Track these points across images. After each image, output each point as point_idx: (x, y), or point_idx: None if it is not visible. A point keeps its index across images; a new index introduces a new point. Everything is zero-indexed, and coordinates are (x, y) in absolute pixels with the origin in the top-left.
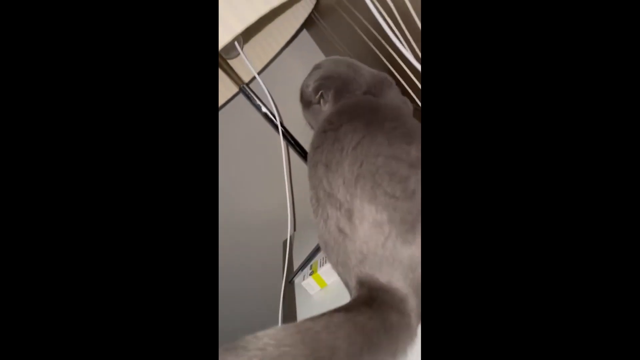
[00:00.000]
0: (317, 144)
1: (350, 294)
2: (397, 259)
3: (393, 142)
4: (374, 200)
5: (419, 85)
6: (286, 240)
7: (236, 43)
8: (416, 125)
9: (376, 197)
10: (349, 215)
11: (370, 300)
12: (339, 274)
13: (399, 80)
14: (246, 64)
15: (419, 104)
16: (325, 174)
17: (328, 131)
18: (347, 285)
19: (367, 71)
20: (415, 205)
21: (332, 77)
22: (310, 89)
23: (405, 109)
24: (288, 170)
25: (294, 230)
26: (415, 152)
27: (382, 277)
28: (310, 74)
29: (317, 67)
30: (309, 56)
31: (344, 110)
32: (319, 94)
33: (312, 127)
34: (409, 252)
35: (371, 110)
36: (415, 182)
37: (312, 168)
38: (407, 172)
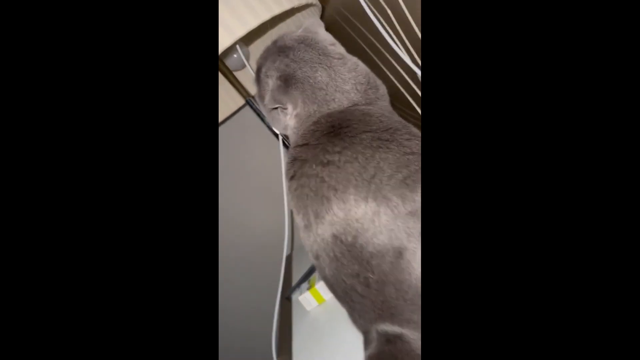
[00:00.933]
0: (306, 174)
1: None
2: (417, 304)
3: (405, 197)
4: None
5: (419, 93)
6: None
7: (240, 53)
8: (419, 160)
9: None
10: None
11: None
12: (353, 319)
13: (399, 89)
14: (252, 74)
15: (419, 112)
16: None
17: (330, 164)
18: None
19: (349, 74)
20: None
21: (300, 81)
22: (269, 88)
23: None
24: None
25: (292, 250)
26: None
27: (401, 322)
28: (273, 55)
29: (283, 50)
30: None
31: (342, 141)
32: (277, 108)
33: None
34: None
35: (373, 147)
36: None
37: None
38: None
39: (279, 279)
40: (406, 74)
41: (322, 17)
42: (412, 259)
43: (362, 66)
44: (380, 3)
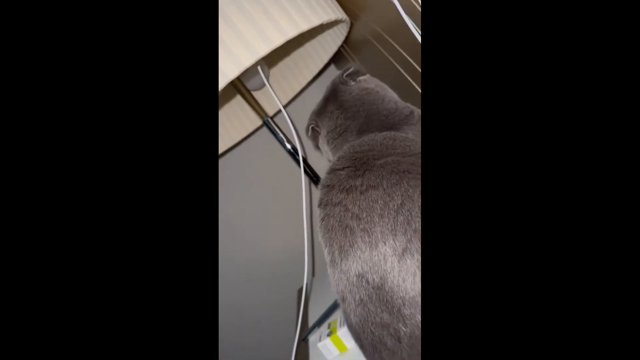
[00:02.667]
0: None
1: None
2: None
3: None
4: None
5: None
6: (301, 289)
7: (261, 72)
8: None
9: None
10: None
11: None
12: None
13: None
14: (271, 94)
15: None
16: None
17: (353, 189)
18: None
19: (390, 100)
20: None
21: (325, 111)
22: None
23: None
24: (309, 209)
25: (313, 275)
26: None
27: None
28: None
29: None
30: None
31: (364, 165)
32: (310, 128)
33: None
34: None
35: (397, 172)
36: None
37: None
38: None
39: (296, 317)
40: None
41: (349, 34)
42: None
43: (388, 94)
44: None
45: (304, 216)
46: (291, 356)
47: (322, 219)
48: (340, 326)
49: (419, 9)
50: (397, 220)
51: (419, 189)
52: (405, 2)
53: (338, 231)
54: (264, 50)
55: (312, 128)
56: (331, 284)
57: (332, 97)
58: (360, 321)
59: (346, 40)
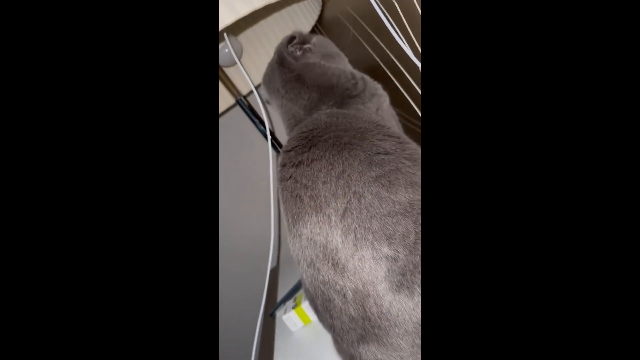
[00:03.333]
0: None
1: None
2: (402, 327)
3: (382, 197)
4: (376, 266)
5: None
6: (272, 269)
7: (230, 47)
8: (396, 160)
9: (379, 264)
10: (346, 281)
11: None
12: (339, 346)
13: (398, 89)
14: (242, 71)
15: (419, 113)
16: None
17: (301, 164)
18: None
19: (333, 74)
20: (416, 260)
21: (271, 83)
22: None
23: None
24: (276, 194)
25: (278, 262)
26: (404, 195)
27: (387, 351)
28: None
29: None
30: None
31: (310, 142)
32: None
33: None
34: (413, 313)
35: (345, 156)
36: (414, 231)
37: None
38: (404, 224)
39: (263, 294)
40: (412, 78)
41: (322, 13)
42: (381, 266)
43: (341, 67)
44: (393, 4)
45: (271, 195)
46: (257, 330)
47: (281, 193)
48: (305, 299)
49: None
50: (338, 184)
51: (359, 158)
52: None
53: (290, 201)
54: (229, 18)
55: (267, 101)
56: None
57: (278, 70)
58: (311, 282)
59: (320, 20)
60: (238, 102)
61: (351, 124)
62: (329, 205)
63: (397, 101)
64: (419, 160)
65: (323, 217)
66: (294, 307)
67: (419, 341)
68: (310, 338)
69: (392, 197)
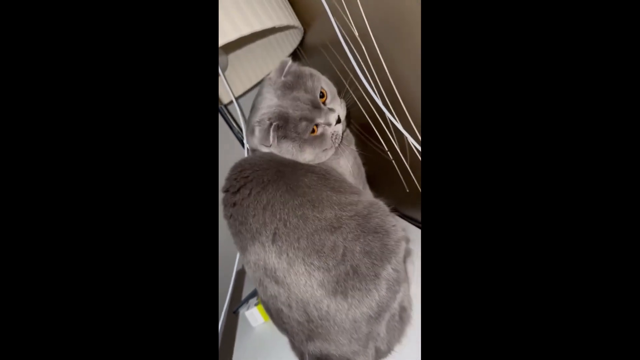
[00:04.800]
0: (234, 230)
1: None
2: (341, 325)
3: (306, 219)
4: (310, 277)
5: (383, 124)
6: (238, 271)
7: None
8: (316, 184)
9: (311, 276)
10: (289, 293)
11: None
12: (291, 342)
13: (365, 117)
14: (224, 83)
15: (382, 141)
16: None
17: (235, 204)
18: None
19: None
20: (347, 269)
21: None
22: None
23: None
24: None
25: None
26: (330, 212)
27: (331, 346)
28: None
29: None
30: None
31: (238, 183)
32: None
33: None
34: (350, 316)
35: (274, 183)
36: (342, 245)
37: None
38: (333, 239)
39: (227, 293)
40: (373, 107)
41: (304, 39)
42: (315, 277)
43: (269, 108)
44: (356, 38)
45: None
46: (220, 326)
47: (230, 228)
48: None
49: (352, 27)
50: (265, 215)
51: (281, 190)
52: (340, 21)
53: (236, 236)
54: (233, 35)
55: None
56: None
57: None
58: (263, 296)
59: (302, 44)
60: (219, 110)
61: (267, 161)
62: (260, 235)
63: (362, 125)
64: (343, 192)
65: (258, 245)
66: (256, 305)
67: (355, 336)
68: (270, 334)
69: (317, 215)
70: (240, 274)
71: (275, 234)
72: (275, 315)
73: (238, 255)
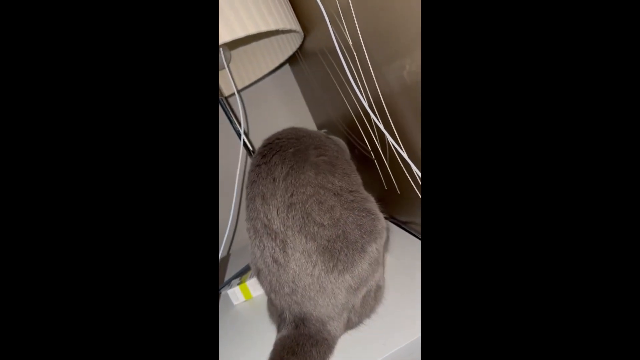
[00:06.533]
0: (253, 178)
1: (277, 322)
2: (323, 287)
3: (319, 172)
4: (304, 228)
5: (369, 127)
6: (225, 257)
7: (222, 55)
8: (337, 154)
9: (306, 225)
10: (283, 245)
11: (295, 344)
12: (271, 300)
13: (355, 122)
14: (228, 76)
15: (368, 143)
16: (262, 206)
17: (261, 164)
18: (274, 313)
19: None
20: (339, 232)
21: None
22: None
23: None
24: (240, 184)
25: (229, 252)
26: (338, 181)
27: (310, 305)
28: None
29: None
30: (287, 88)
31: (273, 141)
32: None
33: None
34: (332, 279)
35: (297, 138)
36: (339, 210)
37: (250, 201)
38: (333, 201)
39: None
40: (361, 110)
41: (304, 48)
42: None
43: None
44: (350, 47)
45: (234, 193)
46: None
47: (247, 181)
48: (250, 277)
49: (347, 37)
50: (285, 184)
51: (300, 165)
52: (337, 30)
53: (251, 200)
54: (239, 34)
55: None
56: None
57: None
58: (260, 252)
59: (301, 48)
60: (220, 102)
61: (310, 141)
62: (276, 199)
63: (353, 128)
64: (352, 173)
65: (270, 210)
66: (239, 284)
67: (333, 301)
68: (250, 312)
69: (330, 177)
70: (223, 262)
71: (290, 204)
72: (265, 268)
73: (224, 242)
